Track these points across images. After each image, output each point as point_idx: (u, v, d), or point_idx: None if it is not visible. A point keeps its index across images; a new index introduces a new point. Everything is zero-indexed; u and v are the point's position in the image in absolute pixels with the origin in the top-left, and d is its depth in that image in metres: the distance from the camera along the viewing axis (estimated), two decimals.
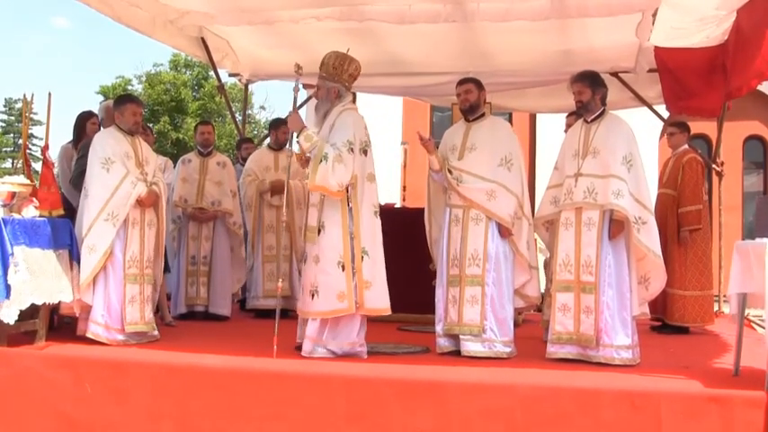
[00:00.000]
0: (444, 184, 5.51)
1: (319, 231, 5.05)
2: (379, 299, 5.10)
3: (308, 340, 5.05)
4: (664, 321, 6.88)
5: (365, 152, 5.14)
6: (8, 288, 4.68)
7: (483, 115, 5.60)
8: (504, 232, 5.31)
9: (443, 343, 5.37)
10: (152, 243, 5.64)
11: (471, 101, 5.55)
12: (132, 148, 5.62)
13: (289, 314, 6.30)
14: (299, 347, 5.16)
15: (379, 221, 5.22)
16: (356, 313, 5.01)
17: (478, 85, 5.61)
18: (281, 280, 5.20)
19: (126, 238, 5.45)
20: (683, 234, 6.78)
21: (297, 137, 5.15)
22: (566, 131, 6.32)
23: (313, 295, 5.02)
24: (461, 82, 5.66)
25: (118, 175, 5.42)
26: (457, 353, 5.26)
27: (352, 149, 5.01)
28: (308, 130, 5.12)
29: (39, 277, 4.90)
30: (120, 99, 5.92)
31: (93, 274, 5.28)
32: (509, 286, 5.33)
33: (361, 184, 5.10)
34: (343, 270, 4.99)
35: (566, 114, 6.76)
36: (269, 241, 7.43)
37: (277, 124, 7.86)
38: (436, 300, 5.43)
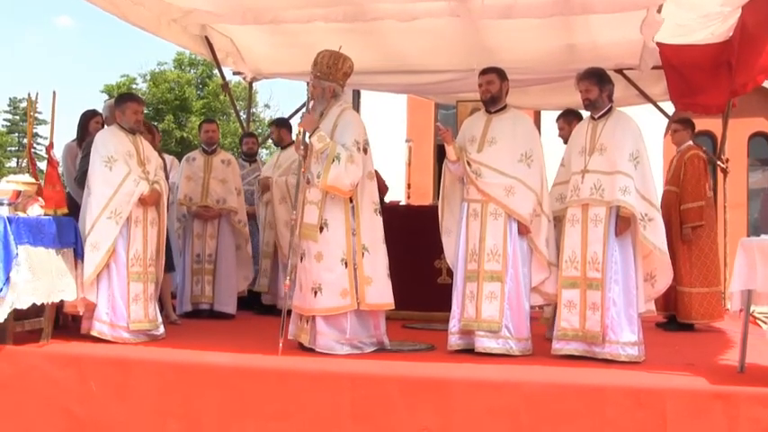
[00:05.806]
0: (458, 174, 5.40)
1: (321, 229, 5.07)
2: (380, 294, 5.17)
3: (324, 336, 5.04)
4: (674, 318, 6.87)
5: (365, 151, 5.22)
6: (8, 285, 4.64)
7: (505, 107, 5.41)
8: (522, 230, 5.19)
9: (456, 340, 5.23)
10: (155, 241, 5.65)
11: (493, 92, 5.35)
12: (134, 147, 5.62)
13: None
14: (300, 345, 5.17)
15: (379, 219, 5.29)
16: (358, 309, 5.06)
17: (501, 75, 5.39)
18: (287, 279, 5.19)
19: (129, 236, 5.46)
20: (685, 231, 6.77)
21: (310, 137, 5.14)
22: (560, 135, 6.30)
23: (316, 293, 5.05)
24: (483, 72, 5.43)
25: (120, 173, 5.42)
26: (468, 351, 5.16)
27: (359, 149, 5.11)
28: (320, 131, 5.13)
29: (41, 277, 4.89)
30: (121, 98, 5.94)
31: (96, 272, 5.29)
32: (527, 283, 5.24)
33: (362, 182, 5.17)
34: (346, 267, 5.06)
35: (556, 118, 6.67)
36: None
37: (279, 123, 7.94)
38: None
